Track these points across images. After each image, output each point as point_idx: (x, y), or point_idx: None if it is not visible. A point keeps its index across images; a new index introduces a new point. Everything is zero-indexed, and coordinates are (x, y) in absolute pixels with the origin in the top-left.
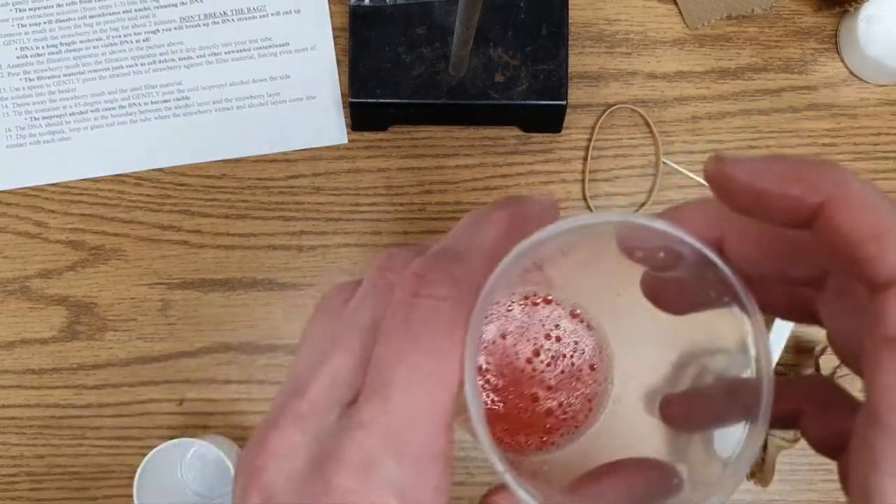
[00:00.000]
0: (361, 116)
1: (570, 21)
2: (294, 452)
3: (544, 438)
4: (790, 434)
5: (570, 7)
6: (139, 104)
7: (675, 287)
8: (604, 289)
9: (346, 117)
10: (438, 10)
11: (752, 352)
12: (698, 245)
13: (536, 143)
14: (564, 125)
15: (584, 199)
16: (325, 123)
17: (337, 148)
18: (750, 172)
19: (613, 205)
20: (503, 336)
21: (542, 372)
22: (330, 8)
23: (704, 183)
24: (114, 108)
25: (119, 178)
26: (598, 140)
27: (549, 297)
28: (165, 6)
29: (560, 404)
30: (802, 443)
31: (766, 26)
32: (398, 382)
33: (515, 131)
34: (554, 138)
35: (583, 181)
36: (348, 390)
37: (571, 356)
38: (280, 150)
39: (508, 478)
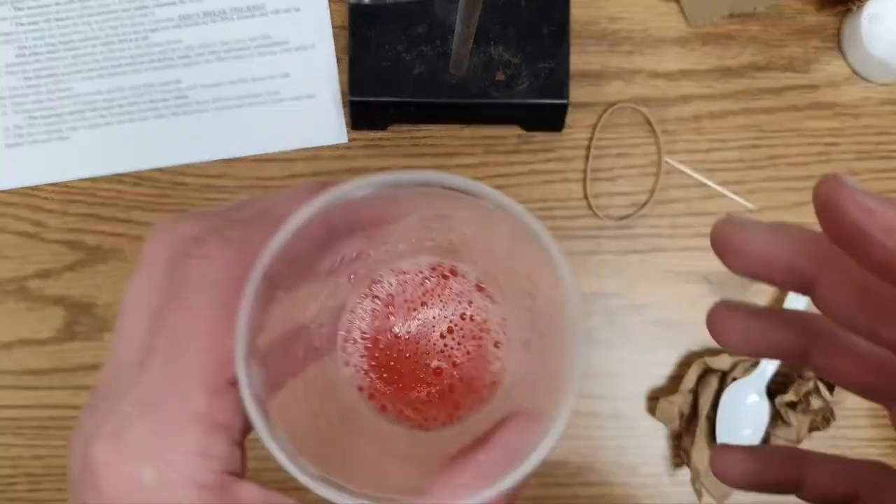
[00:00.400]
0: (361, 115)
1: (571, 19)
2: (79, 439)
3: (451, 413)
4: (793, 435)
5: (571, 5)
6: (138, 103)
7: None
8: (501, 260)
9: (345, 116)
10: (439, 9)
11: (567, 281)
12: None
13: (538, 142)
14: (566, 124)
15: (586, 198)
16: (325, 122)
17: (336, 147)
18: (863, 211)
19: (615, 204)
20: (411, 309)
21: (451, 348)
22: (330, 6)
23: (706, 182)
24: (112, 108)
25: (117, 178)
26: (599, 139)
27: (455, 268)
28: (164, 4)
29: (461, 378)
30: (805, 443)
31: (769, 25)
32: (157, 347)
33: (516, 130)
34: (555, 137)
35: (584, 180)
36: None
37: (480, 334)
38: (279, 149)
39: (293, 470)
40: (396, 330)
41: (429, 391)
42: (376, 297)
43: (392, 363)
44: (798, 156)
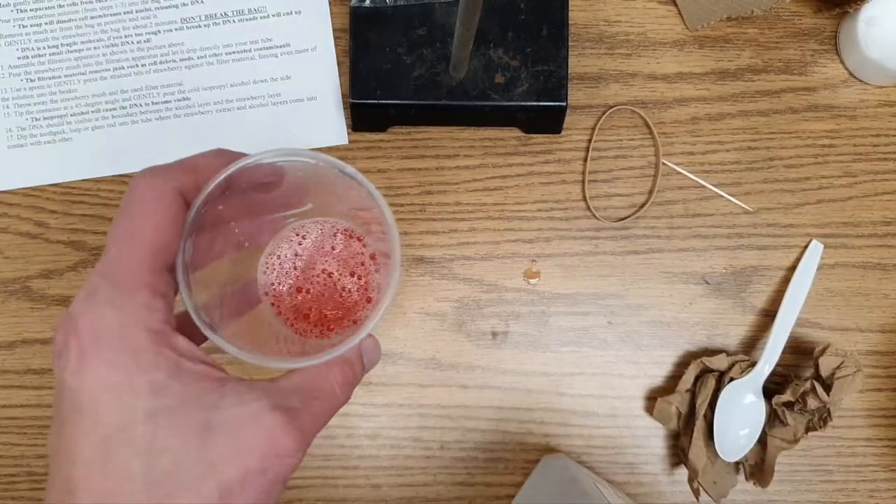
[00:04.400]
0: (362, 117)
1: (570, 22)
2: (61, 320)
3: (321, 332)
4: (790, 435)
5: (570, 8)
6: (140, 105)
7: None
8: (381, 234)
9: (346, 118)
10: (439, 12)
11: (385, 209)
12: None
13: (536, 144)
14: (564, 126)
15: (584, 199)
16: (326, 124)
17: (337, 149)
18: None
19: (613, 205)
20: (320, 254)
21: (339, 291)
22: (331, 9)
23: (703, 183)
24: (115, 109)
25: (120, 179)
26: (598, 141)
27: (361, 237)
28: (166, 7)
29: (336, 317)
30: (802, 443)
31: (766, 28)
32: (113, 237)
33: (516, 132)
34: (554, 139)
35: (583, 182)
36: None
37: (359, 290)
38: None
39: (210, 334)
40: (301, 268)
41: (306, 313)
42: (299, 239)
43: (295, 294)
44: (795, 158)
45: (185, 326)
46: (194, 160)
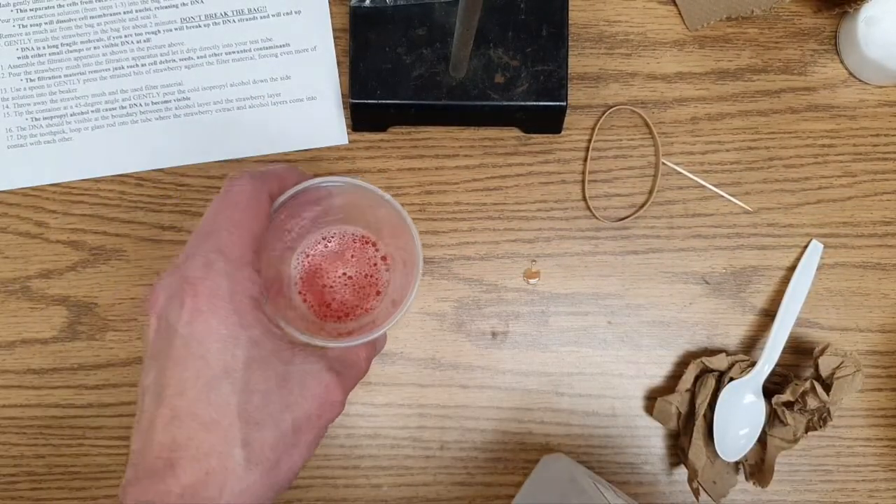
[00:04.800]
0: (362, 117)
1: (570, 22)
2: (170, 281)
3: (339, 318)
4: (789, 434)
5: (570, 8)
6: (140, 105)
7: None
8: (400, 245)
9: (346, 118)
10: (439, 11)
11: (418, 247)
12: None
13: (536, 144)
14: (564, 126)
15: (584, 199)
16: (326, 124)
17: (337, 148)
18: None
19: (613, 205)
20: (341, 259)
21: (355, 287)
22: (330, 9)
23: (703, 183)
24: (114, 109)
25: (120, 179)
26: (597, 141)
27: (376, 242)
28: (166, 7)
29: (352, 306)
30: (802, 443)
31: (766, 27)
32: (220, 223)
33: (515, 132)
34: (554, 139)
35: (583, 182)
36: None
37: (371, 284)
38: (280, 151)
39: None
40: (325, 266)
41: (329, 303)
42: (325, 243)
43: (320, 288)
44: (795, 157)
45: None
46: (277, 171)
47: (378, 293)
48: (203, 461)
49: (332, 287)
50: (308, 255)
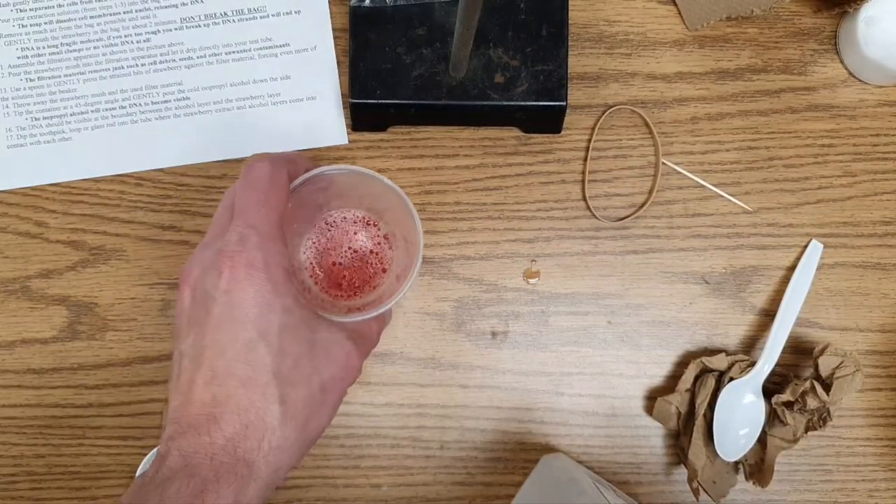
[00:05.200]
0: (362, 117)
1: (569, 22)
2: (203, 256)
3: (349, 295)
4: (789, 434)
5: (569, 8)
6: (140, 104)
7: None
8: (401, 224)
9: (346, 118)
10: (439, 11)
11: (418, 224)
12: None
13: (536, 144)
14: (564, 126)
15: (584, 199)
16: (326, 124)
17: (337, 148)
18: None
19: (613, 205)
20: (346, 238)
21: (362, 266)
22: (330, 9)
23: (703, 183)
24: (114, 109)
25: (120, 179)
26: (597, 141)
27: (376, 222)
28: (166, 7)
29: (361, 284)
30: (802, 443)
31: (766, 27)
32: (248, 202)
33: (515, 132)
34: (554, 139)
35: (582, 182)
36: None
37: (377, 262)
38: (280, 151)
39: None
40: (331, 249)
41: (339, 282)
42: (329, 227)
43: (330, 269)
44: (795, 157)
45: None
46: (290, 156)
47: (384, 270)
48: (243, 415)
49: (340, 267)
50: (315, 240)
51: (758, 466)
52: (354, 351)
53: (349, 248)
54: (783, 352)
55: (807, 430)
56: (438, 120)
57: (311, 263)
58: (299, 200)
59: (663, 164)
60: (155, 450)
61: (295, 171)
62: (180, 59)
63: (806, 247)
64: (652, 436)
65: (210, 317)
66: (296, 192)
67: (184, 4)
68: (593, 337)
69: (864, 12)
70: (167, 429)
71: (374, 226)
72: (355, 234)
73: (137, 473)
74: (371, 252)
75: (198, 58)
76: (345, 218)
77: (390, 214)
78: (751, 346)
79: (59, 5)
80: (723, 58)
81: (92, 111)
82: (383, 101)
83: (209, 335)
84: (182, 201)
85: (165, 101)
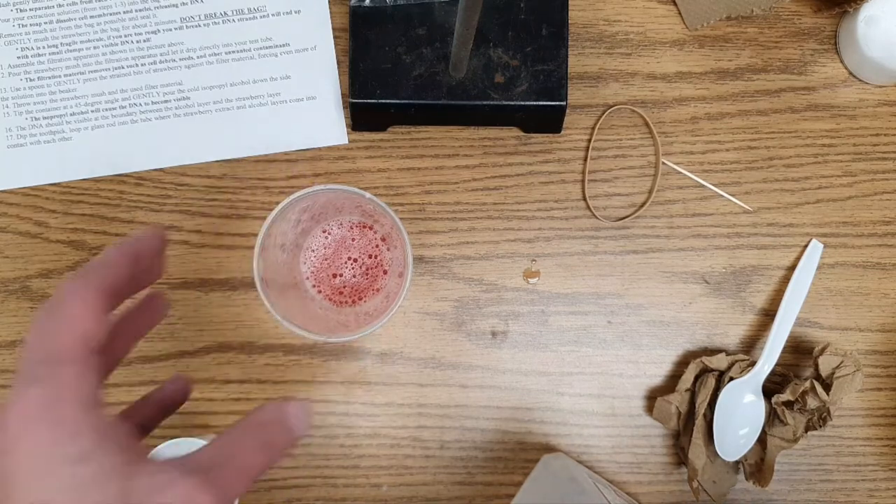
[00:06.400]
0: (361, 117)
1: (569, 22)
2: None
3: (354, 301)
4: (789, 434)
5: (569, 8)
6: (140, 104)
7: None
8: (392, 224)
9: (346, 118)
10: (439, 11)
11: (405, 235)
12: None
13: (536, 144)
14: (564, 126)
15: (584, 199)
16: (326, 124)
17: (337, 148)
18: None
19: (613, 205)
20: (343, 245)
21: (362, 269)
22: (330, 8)
23: (703, 183)
24: (114, 109)
25: (120, 179)
26: (597, 140)
27: (372, 226)
28: (166, 6)
29: (363, 289)
30: (802, 443)
31: (766, 27)
32: (39, 332)
33: (515, 132)
34: (554, 139)
35: (582, 181)
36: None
37: (377, 265)
38: (280, 151)
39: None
40: (331, 256)
41: (342, 290)
42: (325, 235)
43: (331, 277)
44: (795, 157)
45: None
46: (104, 261)
47: (385, 272)
48: None
49: (341, 274)
50: (314, 250)
51: (758, 466)
52: (200, 485)
53: (349, 257)
54: (783, 351)
55: (807, 429)
56: (438, 120)
57: (312, 273)
58: (284, 222)
59: (663, 163)
60: (155, 450)
61: (115, 274)
62: (180, 59)
63: (806, 247)
64: (652, 436)
65: None
66: (277, 220)
67: (184, 4)
68: (593, 337)
69: (864, 12)
70: None
71: (371, 229)
72: (353, 240)
73: None
74: (370, 256)
75: (198, 58)
76: (340, 224)
77: (382, 217)
78: (751, 345)
79: (59, 5)
80: (723, 57)
81: (92, 111)
82: (383, 101)
83: None
84: (182, 201)
85: (165, 101)
